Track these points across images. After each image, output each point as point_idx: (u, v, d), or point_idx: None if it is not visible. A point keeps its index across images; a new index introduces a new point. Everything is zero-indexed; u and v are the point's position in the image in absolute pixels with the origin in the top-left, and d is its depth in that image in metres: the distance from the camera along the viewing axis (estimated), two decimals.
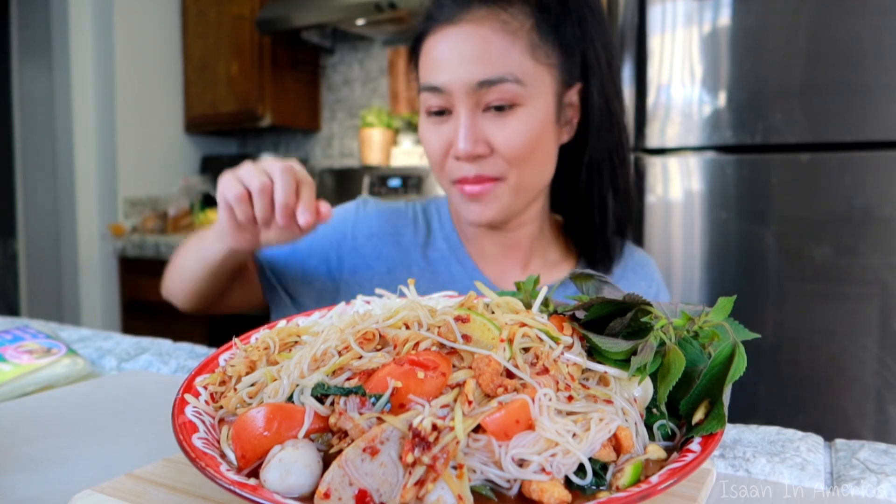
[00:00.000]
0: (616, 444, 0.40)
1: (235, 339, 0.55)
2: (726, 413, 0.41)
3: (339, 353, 0.44)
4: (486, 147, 0.81)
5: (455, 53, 0.80)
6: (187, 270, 0.87)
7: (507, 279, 0.93)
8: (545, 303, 0.53)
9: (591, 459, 0.38)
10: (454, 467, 0.35)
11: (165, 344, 0.92)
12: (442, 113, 0.84)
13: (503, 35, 0.80)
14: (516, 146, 0.81)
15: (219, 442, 0.43)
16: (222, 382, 0.48)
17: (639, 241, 1.48)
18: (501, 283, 0.92)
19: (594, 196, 0.90)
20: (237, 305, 0.96)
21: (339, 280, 0.93)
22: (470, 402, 0.38)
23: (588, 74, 0.86)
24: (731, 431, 0.58)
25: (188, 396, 0.46)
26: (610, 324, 0.47)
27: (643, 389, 0.45)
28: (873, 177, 1.27)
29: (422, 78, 0.85)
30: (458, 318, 0.44)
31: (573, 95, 0.87)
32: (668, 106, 1.43)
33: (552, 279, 0.91)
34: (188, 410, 0.44)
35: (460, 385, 0.40)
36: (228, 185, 0.71)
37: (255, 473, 0.38)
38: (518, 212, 0.88)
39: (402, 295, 0.55)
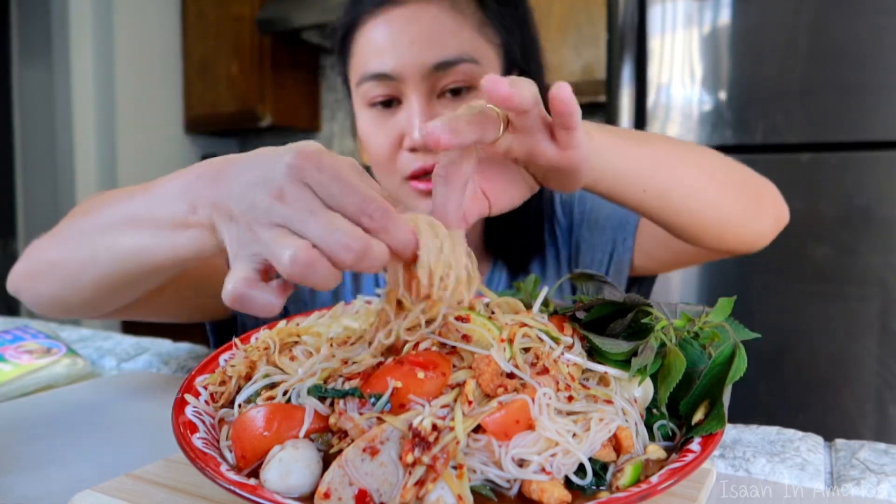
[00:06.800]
0: (616, 444, 0.40)
1: (235, 339, 0.55)
2: (726, 413, 0.41)
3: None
4: None
5: (403, 36, 0.74)
6: (115, 252, 0.54)
7: None
8: (545, 303, 0.53)
9: (591, 459, 0.38)
10: (454, 467, 0.35)
11: (165, 344, 0.92)
12: (389, 104, 0.78)
13: (452, 14, 0.76)
14: None
15: (219, 442, 0.43)
16: (222, 382, 0.48)
17: None
18: None
19: None
20: (161, 312, 0.74)
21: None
22: (470, 402, 0.38)
23: (527, 60, 0.83)
24: (731, 431, 0.58)
25: (188, 396, 0.46)
26: (610, 325, 0.47)
27: (643, 390, 0.45)
28: (873, 177, 1.27)
29: (360, 68, 0.78)
30: (458, 318, 0.44)
31: None
32: (668, 106, 1.43)
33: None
34: (188, 410, 0.44)
35: (460, 385, 0.40)
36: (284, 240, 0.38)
37: (255, 473, 0.38)
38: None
39: None
